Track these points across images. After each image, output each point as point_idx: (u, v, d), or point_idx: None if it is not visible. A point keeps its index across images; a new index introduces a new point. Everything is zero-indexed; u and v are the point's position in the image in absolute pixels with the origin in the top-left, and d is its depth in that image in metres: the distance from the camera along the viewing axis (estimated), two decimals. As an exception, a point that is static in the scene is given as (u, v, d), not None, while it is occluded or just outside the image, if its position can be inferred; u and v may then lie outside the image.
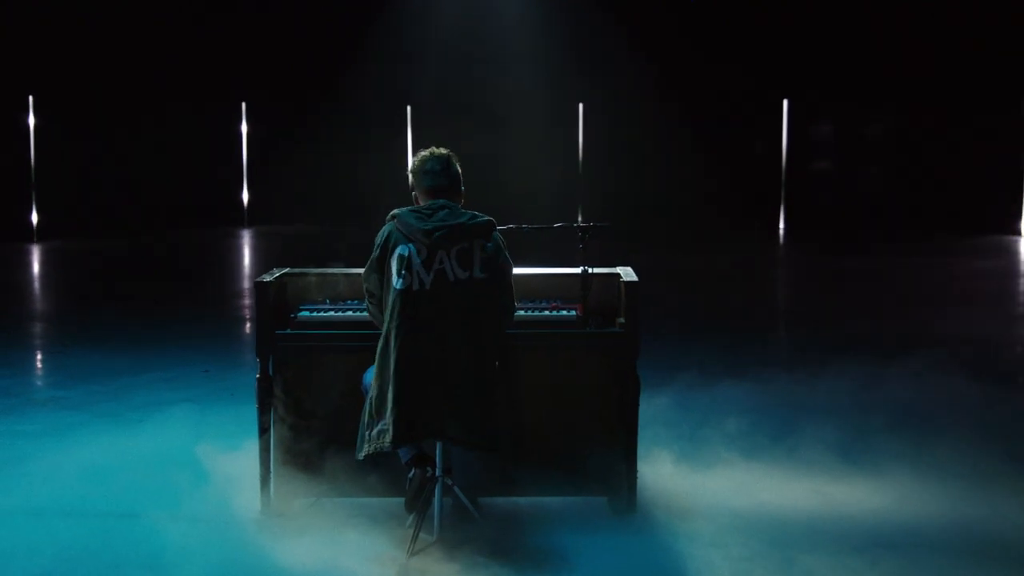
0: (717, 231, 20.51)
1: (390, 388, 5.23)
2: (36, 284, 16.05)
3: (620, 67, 21.72)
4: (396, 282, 5.28)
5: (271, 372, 5.85)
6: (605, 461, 5.87)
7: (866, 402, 7.78)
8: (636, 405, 5.84)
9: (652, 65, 21.58)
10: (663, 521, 5.79)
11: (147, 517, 5.79)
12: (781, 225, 22.35)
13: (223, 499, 5.99)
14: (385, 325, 5.31)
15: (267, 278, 5.88)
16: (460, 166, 5.59)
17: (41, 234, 20.13)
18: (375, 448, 5.27)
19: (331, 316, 5.88)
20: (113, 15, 19.99)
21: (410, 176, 5.60)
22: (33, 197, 20.46)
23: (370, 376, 5.44)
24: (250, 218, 22.81)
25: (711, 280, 15.19)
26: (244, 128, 23.05)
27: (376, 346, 5.35)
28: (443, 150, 5.60)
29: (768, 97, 22.65)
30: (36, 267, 17.56)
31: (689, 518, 5.83)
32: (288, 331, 5.84)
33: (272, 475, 5.91)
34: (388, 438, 5.22)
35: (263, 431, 5.84)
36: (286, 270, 6.15)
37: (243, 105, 22.90)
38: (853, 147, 23.33)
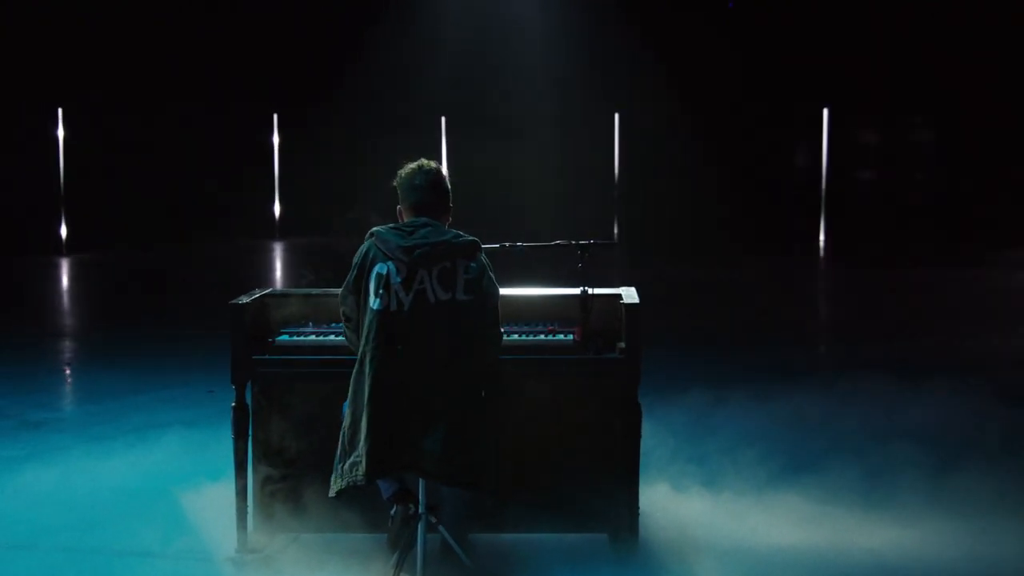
0: (755, 244, 19.98)
1: (364, 417, 4.85)
2: (57, 299, 15.85)
3: (655, 75, 21.26)
4: (373, 302, 4.89)
5: (248, 400, 5.49)
6: (605, 495, 5.47)
7: (891, 428, 7.31)
8: (638, 436, 5.42)
9: (686, 72, 21.14)
10: (668, 561, 5.38)
11: (111, 553, 5.46)
12: (822, 236, 21.76)
13: (198, 534, 5.68)
14: (360, 348, 4.93)
15: (244, 300, 5.52)
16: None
17: (70, 247, 19.97)
18: (348, 482, 4.88)
19: (312, 340, 5.51)
20: (141, 26, 19.82)
21: (397, 190, 5.22)
22: (62, 210, 20.32)
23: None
24: (282, 230, 22.56)
25: (742, 294, 14.72)
26: (276, 139, 22.83)
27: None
28: (432, 164, 5.21)
29: (808, 105, 22.12)
30: (59, 281, 17.38)
31: (697, 558, 5.42)
32: (265, 356, 5.46)
33: (250, 510, 5.56)
34: (361, 471, 4.83)
35: (239, 463, 5.48)
36: (268, 291, 5.79)
37: (275, 116, 22.68)
38: (897, 156, 22.75)
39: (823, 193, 22.41)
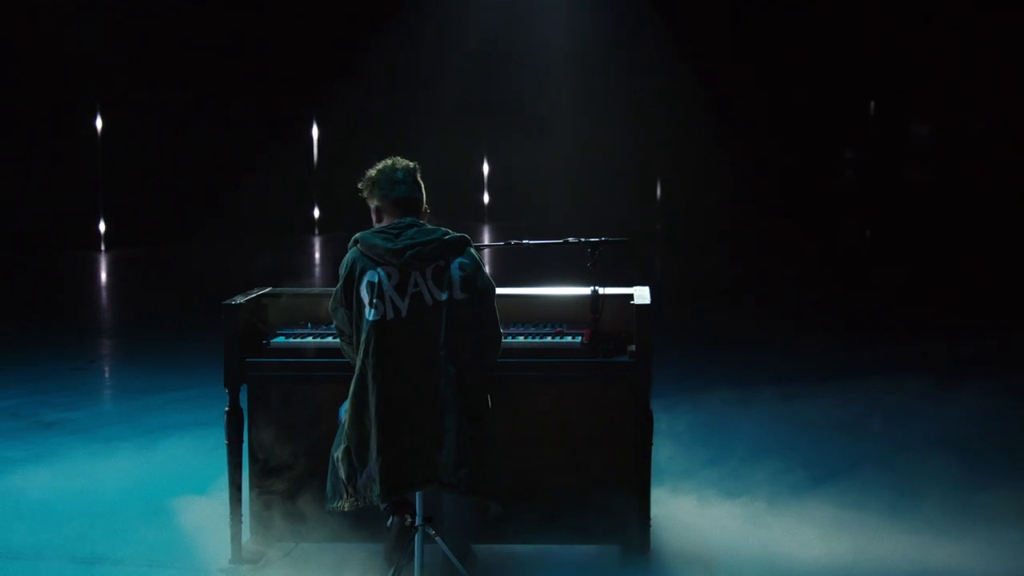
0: (795, 238, 19.59)
1: (373, 435, 4.60)
2: (91, 295, 15.76)
3: (687, 68, 20.91)
4: (368, 313, 4.65)
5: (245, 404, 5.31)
6: (614, 505, 5.23)
7: (923, 434, 6.97)
8: (649, 443, 5.16)
9: (733, 65, 20.80)
10: (682, 575, 5.11)
11: (104, 563, 5.28)
12: (865, 232, 21.30)
13: (194, 544, 5.48)
14: (359, 363, 4.67)
15: (238, 300, 5.31)
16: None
17: (108, 242, 19.91)
18: (363, 502, 4.65)
19: (308, 343, 5.28)
20: (180, 20, 19.73)
21: (367, 189, 4.94)
22: (101, 205, 20.28)
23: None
24: (321, 226, 22.41)
25: (777, 291, 14.37)
26: (315, 134, 22.69)
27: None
28: (408, 161, 4.97)
29: (854, 99, 21.67)
30: (95, 277, 17.33)
31: (712, 572, 5.16)
32: (259, 359, 5.25)
33: (246, 518, 5.36)
34: (376, 491, 4.60)
35: (233, 470, 5.28)
36: (266, 290, 5.59)
37: (313, 113, 22.52)
38: (946, 150, 22.22)
39: (866, 188, 22.01)
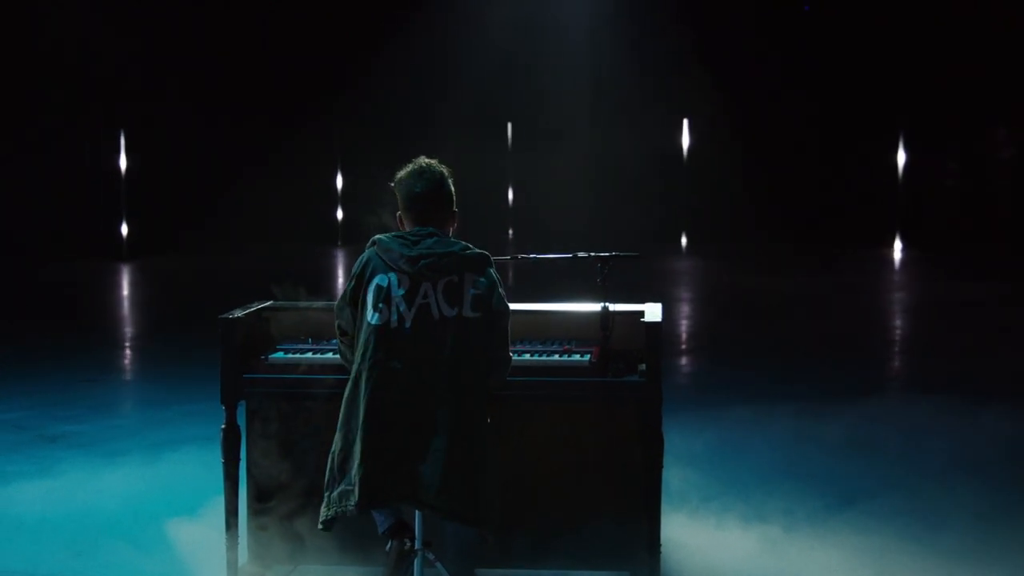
0: (831, 251, 19.30)
1: (357, 441, 4.42)
2: (110, 305, 15.67)
3: (732, 77, 20.70)
4: (371, 316, 4.46)
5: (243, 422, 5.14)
6: (623, 531, 5.03)
7: (950, 458, 6.72)
8: (659, 466, 4.95)
9: (768, 74, 20.57)
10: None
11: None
12: (900, 246, 20.97)
13: (189, 567, 5.31)
14: (355, 366, 4.49)
15: (237, 314, 5.14)
16: (454, 185, 4.72)
17: (131, 251, 19.85)
18: (337, 511, 4.45)
19: (308, 358, 5.10)
20: (203, 28, 19.69)
21: (395, 189, 4.75)
22: (123, 213, 20.25)
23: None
24: (344, 236, 22.28)
25: (810, 304, 14.12)
26: (337, 146, 22.60)
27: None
28: (437, 165, 4.74)
29: (883, 112, 21.39)
30: (116, 287, 17.23)
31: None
32: (257, 375, 5.07)
33: (243, 540, 5.18)
34: (352, 501, 4.40)
35: (229, 490, 5.10)
36: (267, 303, 5.42)
37: (338, 123, 22.43)
38: (981, 162, 21.89)
39: (900, 202, 21.71)
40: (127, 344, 12.04)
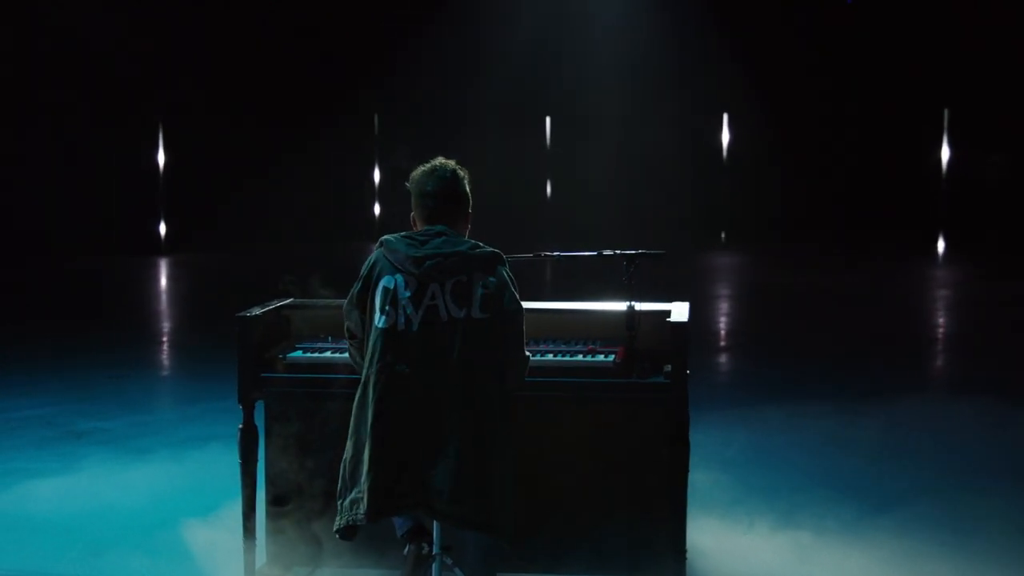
0: (870, 248, 19.06)
1: (366, 449, 4.33)
2: (147, 301, 15.67)
3: (766, 73, 20.48)
4: (378, 319, 4.37)
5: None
6: (648, 536, 4.91)
7: (985, 462, 6.55)
8: (685, 470, 4.82)
9: (802, 71, 20.35)
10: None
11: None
12: (941, 243, 20.68)
13: (207, 568, 5.23)
14: (364, 371, 4.40)
15: (255, 311, 5.06)
16: (469, 184, 4.61)
17: (169, 247, 19.89)
18: (348, 520, 4.37)
19: (326, 358, 5.02)
20: (239, 27, 19.69)
21: (410, 188, 4.66)
22: (161, 209, 20.30)
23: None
24: (381, 231, 22.21)
25: (849, 302, 13.90)
26: (376, 141, 22.57)
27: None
28: (451, 164, 4.62)
29: (928, 106, 21.10)
30: (154, 282, 17.25)
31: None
32: (274, 374, 4.99)
33: (262, 542, 5.11)
34: (362, 510, 4.31)
35: (247, 491, 5.03)
36: (287, 301, 5.33)
37: (375, 117, 22.40)
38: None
39: (944, 196, 21.42)
40: (157, 339, 12.02)
